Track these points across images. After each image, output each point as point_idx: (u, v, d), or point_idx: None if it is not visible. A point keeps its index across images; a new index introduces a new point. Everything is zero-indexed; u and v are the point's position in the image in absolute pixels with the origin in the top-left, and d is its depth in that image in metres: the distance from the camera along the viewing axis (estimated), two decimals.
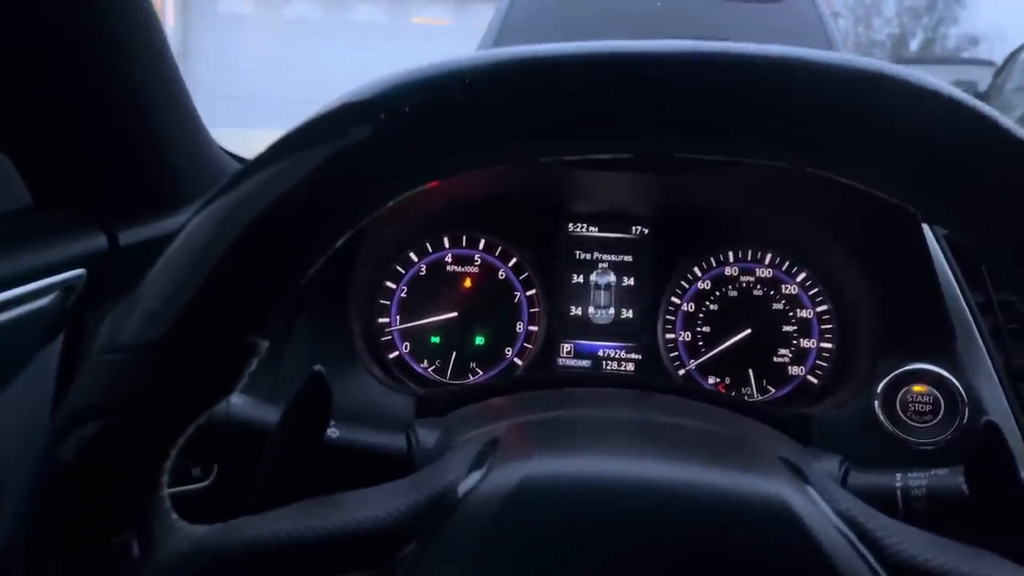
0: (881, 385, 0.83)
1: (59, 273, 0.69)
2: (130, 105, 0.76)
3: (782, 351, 0.98)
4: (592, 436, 0.50)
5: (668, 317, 1.00)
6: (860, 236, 0.93)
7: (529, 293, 1.00)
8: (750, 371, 0.98)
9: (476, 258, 1.01)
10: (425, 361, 0.99)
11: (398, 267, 1.00)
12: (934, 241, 0.92)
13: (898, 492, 0.56)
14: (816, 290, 0.98)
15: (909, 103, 0.32)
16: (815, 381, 0.96)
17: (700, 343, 0.99)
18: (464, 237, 1.01)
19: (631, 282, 1.01)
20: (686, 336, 1.00)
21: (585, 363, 1.01)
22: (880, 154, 0.33)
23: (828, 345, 0.97)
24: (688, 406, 0.64)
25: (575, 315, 1.01)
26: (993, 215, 0.32)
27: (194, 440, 0.37)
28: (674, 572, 0.35)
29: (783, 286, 0.99)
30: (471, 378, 0.99)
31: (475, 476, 0.40)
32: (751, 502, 0.37)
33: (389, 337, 0.99)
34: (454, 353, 0.99)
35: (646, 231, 1.02)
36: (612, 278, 1.01)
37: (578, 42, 0.34)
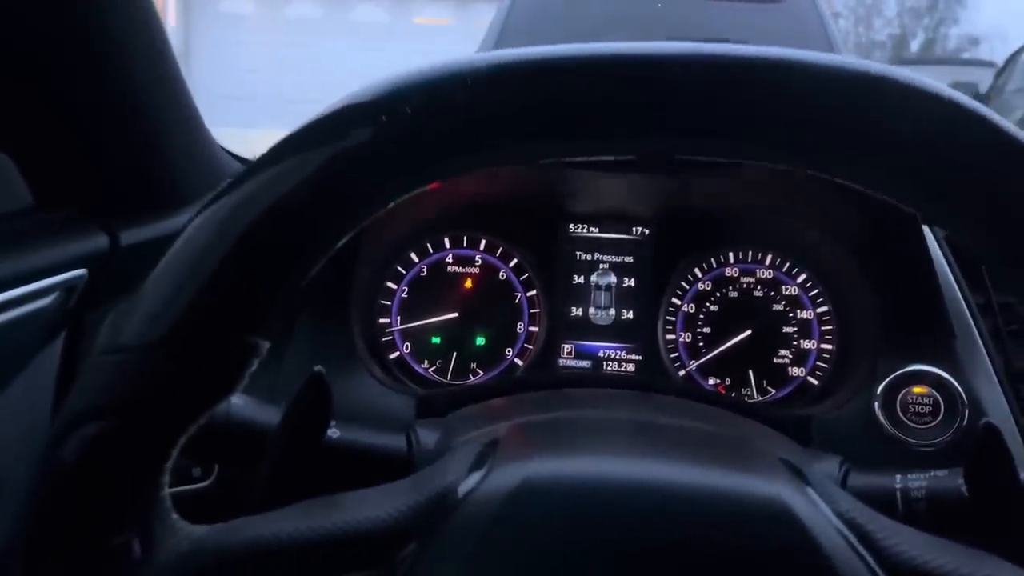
0: (881, 386, 0.83)
1: (60, 273, 0.69)
2: (131, 105, 0.76)
3: (782, 352, 0.98)
4: (592, 437, 0.50)
5: (668, 318, 1.00)
6: (860, 237, 0.93)
7: (530, 294, 1.01)
8: (750, 372, 0.98)
9: (477, 259, 1.01)
10: (426, 362, 0.99)
11: (399, 268, 1.00)
12: (934, 242, 0.92)
13: (898, 493, 0.56)
14: (816, 291, 0.98)
15: (909, 106, 0.32)
16: (815, 382, 0.96)
17: (700, 344, 0.99)
18: (465, 238, 1.01)
19: (631, 283, 1.01)
20: (686, 337, 1.00)
21: (585, 364, 1.01)
22: (880, 157, 0.33)
23: (828, 346, 0.97)
24: (688, 407, 0.64)
25: (576, 316, 1.01)
26: (993, 217, 0.32)
27: (195, 440, 0.37)
28: (674, 573, 0.35)
29: (783, 287, 0.99)
30: (472, 379, 0.99)
31: (475, 477, 0.40)
32: (751, 503, 0.38)
33: (390, 337, 0.99)
34: (455, 354, 0.99)
35: (647, 232, 1.02)
36: (613, 279, 1.01)
37: (579, 44, 0.34)
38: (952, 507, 0.54)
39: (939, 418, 0.81)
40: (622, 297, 1.01)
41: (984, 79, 7.97)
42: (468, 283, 1.00)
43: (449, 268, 1.01)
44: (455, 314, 0.99)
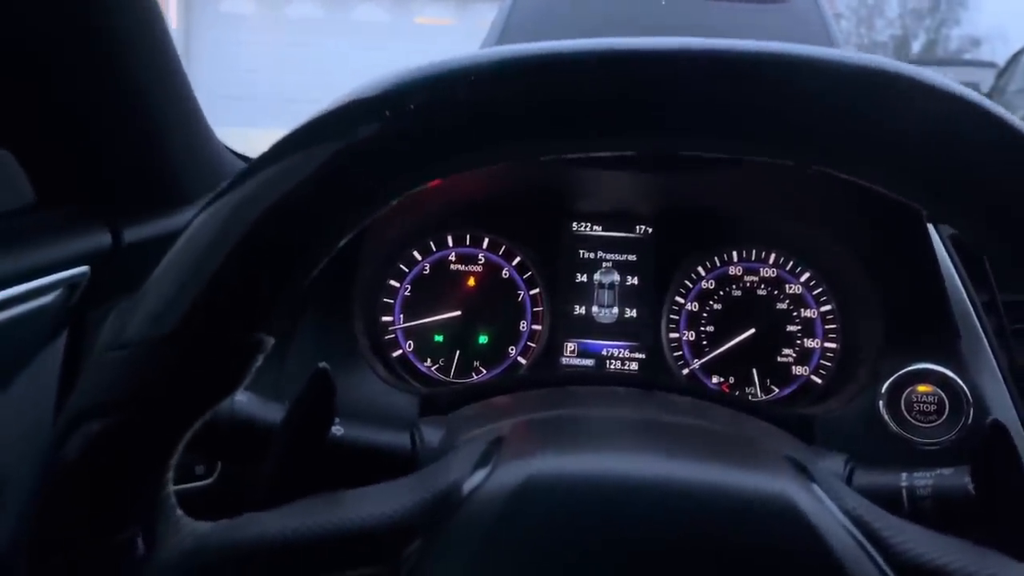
0: (886, 385, 0.83)
1: (63, 270, 0.69)
2: (134, 103, 0.76)
3: (786, 351, 0.97)
4: (597, 434, 0.50)
5: (672, 316, 1.00)
6: (865, 236, 0.92)
7: (533, 292, 1.00)
8: (754, 371, 0.97)
9: (480, 257, 1.01)
10: (429, 360, 0.99)
11: (402, 266, 1.00)
12: (939, 241, 0.92)
13: (903, 491, 0.56)
14: (820, 290, 0.98)
15: (923, 103, 0.32)
16: (819, 381, 0.96)
17: (704, 342, 0.99)
18: (468, 236, 1.01)
19: (635, 281, 1.01)
20: (690, 335, 1.00)
21: (589, 362, 1.00)
22: (892, 154, 0.33)
23: (832, 345, 0.97)
24: (692, 405, 0.64)
25: (579, 314, 1.01)
26: (1002, 216, 0.32)
27: (199, 437, 0.37)
28: (680, 570, 0.35)
29: (787, 286, 0.99)
30: (474, 377, 0.98)
31: (480, 474, 0.40)
32: (757, 500, 0.37)
33: (393, 336, 0.99)
34: (457, 352, 0.99)
35: (650, 230, 1.02)
36: (616, 277, 1.01)
37: (584, 39, 0.34)
38: (958, 505, 0.54)
39: (944, 417, 0.80)
40: (625, 295, 1.01)
41: (986, 80, 7.96)
42: (471, 281, 1.00)
43: (452, 266, 1.01)
44: (458, 312, 0.99)
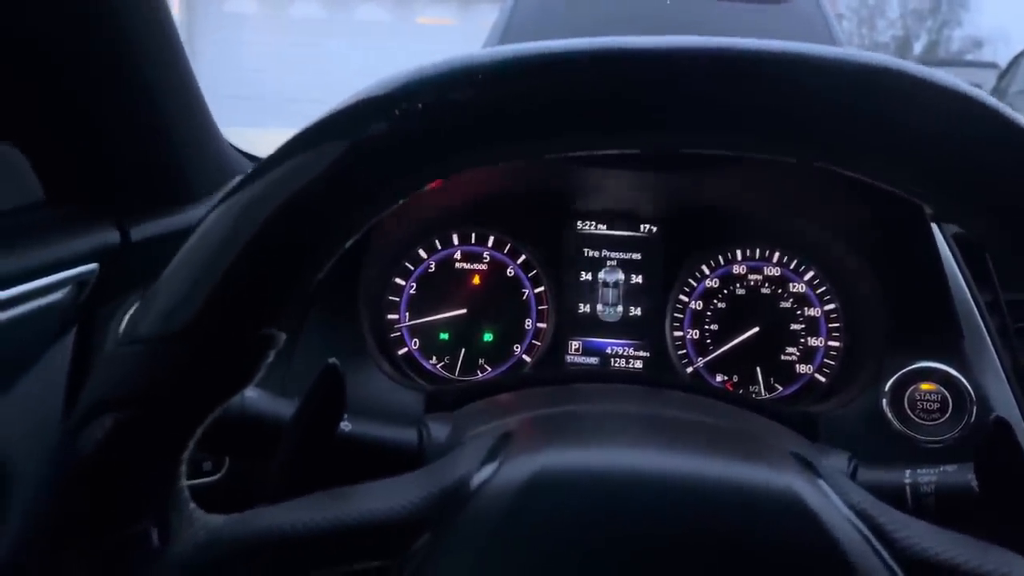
0: (889, 383, 0.83)
1: (71, 267, 0.69)
2: (142, 100, 0.76)
3: (790, 349, 0.98)
4: (605, 429, 0.50)
5: (676, 315, 1.00)
6: (868, 235, 0.93)
7: (538, 290, 1.01)
8: (758, 369, 0.98)
9: (485, 255, 1.01)
10: (434, 358, 0.99)
11: (407, 264, 1.00)
12: (942, 240, 0.92)
13: (907, 488, 0.57)
14: (824, 288, 0.98)
15: (927, 101, 0.32)
16: (823, 379, 0.96)
17: (708, 341, 0.99)
18: (473, 234, 1.01)
19: (639, 280, 1.01)
20: (694, 334, 1.00)
21: (593, 360, 1.01)
22: (899, 151, 0.33)
23: (836, 344, 0.97)
24: (698, 402, 0.64)
25: (583, 312, 1.01)
26: (1011, 215, 0.33)
27: (210, 432, 0.38)
28: (687, 565, 0.35)
29: (791, 284, 0.99)
30: (479, 375, 0.99)
31: (488, 469, 0.40)
32: (764, 495, 0.38)
33: (398, 334, 0.99)
34: (463, 350, 0.99)
35: (654, 229, 1.02)
36: (620, 276, 1.01)
37: (593, 37, 0.34)
38: (961, 502, 0.54)
39: (947, 415, 0.81)
40: (630, 294, 1.01)
41: (987, 81, 7.94)
42: (476, 279, 1.01)
43: (457, 265, 1.01)
44: (463, 310, 1.00)
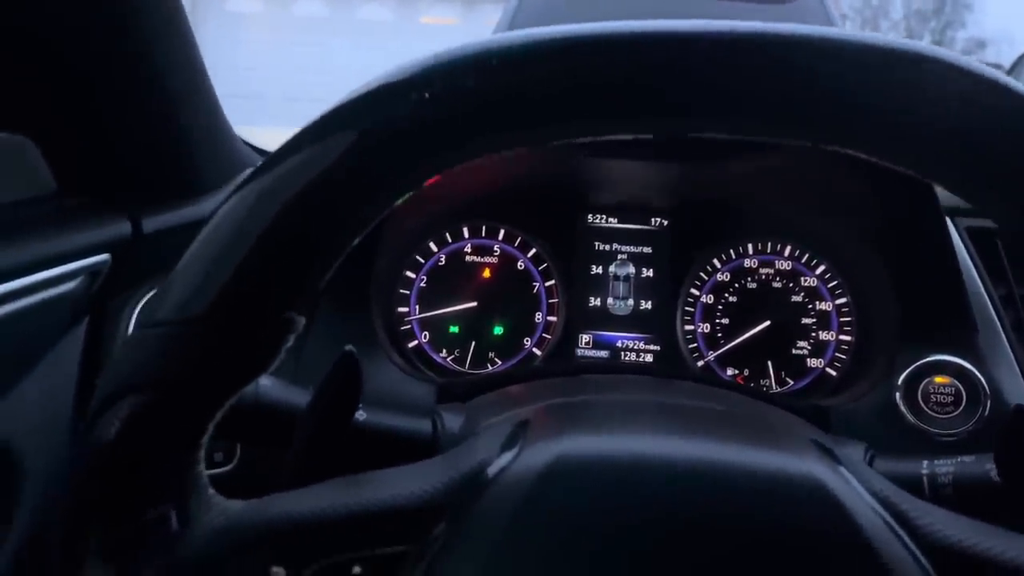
0: (903, 376, 0.83)
1: (83, 258, 0.70)
2: (154, 94, 0.76)
3: (801, 343, 0.97)
4: (623, 417, 0.50)
5: (687, 308, 1.00)
6: (881, 229, 0.92)
7: (548, 284, 1.00)
8: (769, 363, 0.97)
9: (495, 248, 1.01)
10: (444, 351, 0.99)
11: (418, 257, 1.00)
12: (956, 234, 0.92)
13: (924, 479, 0.56)
14: (835, 282, 0.98)
15: (951, 84, 0.32)
16: (834, 374, 0.96)
17: (719, 335, 0.99)
18: (483, 227, 1.01)
19: (650, 273, 1.01)
20: (705, 327, 0.99)
21: (603, 354, 1.00)
22: (924, 135, 0.33)
23: (847, 338, 0.97)
24: (711, 393, 0.64)
25: (594, 306, 1.01)
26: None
27: (224, 420, 0.38)
28: (709, 551, 0.35)
29: (802, 278, 0.99)
30: (489, 368, 0.98)
31: (507, 455, 0.40)
32: (786, 481, 0.37)
33: (408, 326, 0.99)
34: (473, 343, 0.99)
35: (665, 223, 1.02)
36: (631, 269, 1.01)
37: (609, 21, 0.34)
38: (980, 491, 0.54)
39: (961, 408, 0.80)
40: (640, 287, 1.01)
41: None
42: (486, 273, 1.00)
43: (467, 258, 1.01)
44: (473, 303, 0.99)
